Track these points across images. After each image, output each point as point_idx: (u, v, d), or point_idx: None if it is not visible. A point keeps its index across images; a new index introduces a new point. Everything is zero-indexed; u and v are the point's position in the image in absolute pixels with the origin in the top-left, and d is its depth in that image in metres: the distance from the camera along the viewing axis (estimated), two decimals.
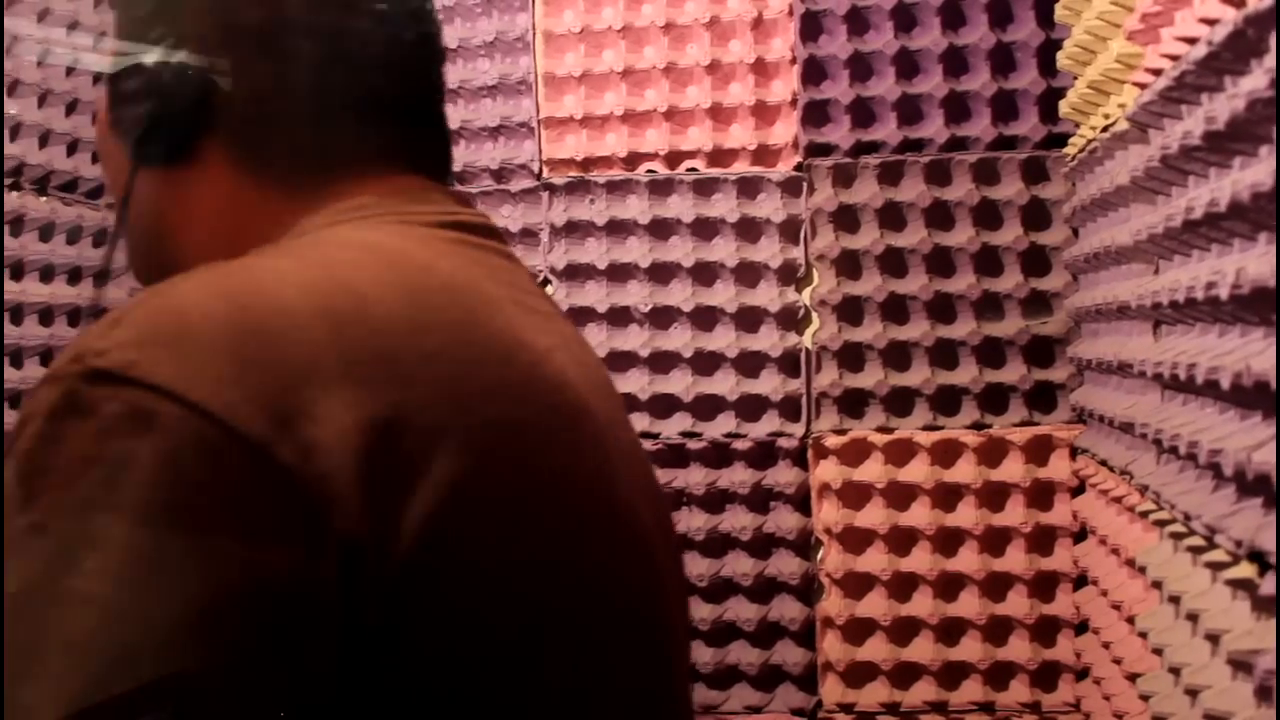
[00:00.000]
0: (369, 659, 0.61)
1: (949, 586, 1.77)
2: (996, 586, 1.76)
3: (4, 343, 1.04)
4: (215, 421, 0.58)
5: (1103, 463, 1.60)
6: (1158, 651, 1.26)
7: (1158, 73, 1.21)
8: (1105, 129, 1.48)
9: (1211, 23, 1.03)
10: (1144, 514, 1.36)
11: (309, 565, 0.59)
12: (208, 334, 0.61)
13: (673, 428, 1.84)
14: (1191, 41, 1.09)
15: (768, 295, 1.82)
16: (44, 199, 1.86)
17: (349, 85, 0.77)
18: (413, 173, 0.78)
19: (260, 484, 0.59)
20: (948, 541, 1.77)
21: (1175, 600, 1.21)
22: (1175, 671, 1.20)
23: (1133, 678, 1.39)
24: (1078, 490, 1.74)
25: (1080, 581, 1.73)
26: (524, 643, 0.67)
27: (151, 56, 0.74)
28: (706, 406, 1.84)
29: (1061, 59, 1.61)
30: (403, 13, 0.81)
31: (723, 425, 1.83)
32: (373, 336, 0.64)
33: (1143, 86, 1.28)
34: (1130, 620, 1.42)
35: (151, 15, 0.76)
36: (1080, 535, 1.73)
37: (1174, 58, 1.15)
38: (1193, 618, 1.16)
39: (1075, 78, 1.62)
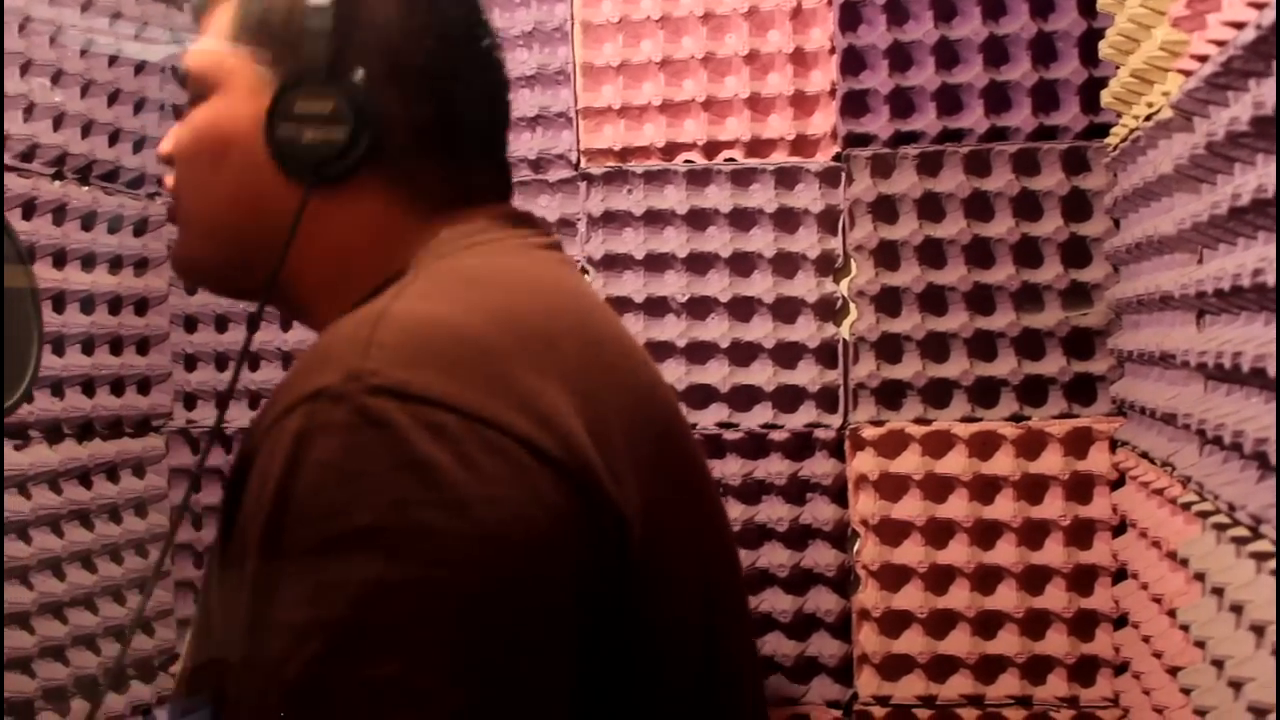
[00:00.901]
0: (610, 632, 0.68)
1: (986, 579, 1.76)
2: (1034, 580, 1.75)
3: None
4: (494, 427, 0.64)
5: (1144, 455, 1.58)
6: (1200, 645, 1.25)
7: (1204, 59, 1.20)
8: (1148, 118, 1.47)
9: (1260, 7, 1.02)
10: (1186, 506, 1.35)
11: (593, 544, 0.67)
12: (454, 351, 0.67)
13: (709, 418, 1.84)
14: (1239, 26, 1.08)
15: (805, 286, 1.82)
16: (86, 188, 1.87)
17: (486, 121, 0.85)
18: (504, 198, 0.88)
19: (544, 477, 0.65)
20: (985, 534, 1.76)
21: (1219, 592, 1.20)
22: (1218, 664, 1.18)
23: (1174, 671, 1.38)
24: (1117, 483, 1.73)
25: (1119, 575, 1.72)
26: (693, 610, 0.77)
27: (331, 81, 0.77)
28: (743, 397, 1.84)
29: (1104, 48, 1.60)
30: (501, 54, 0.89)
31: (759, 416, 1.82)
32: (562, 354, 0.71)
33: (1188, 74, 1.26)
34: (1171, 614, 1.41)
35: (322, 37, 0.80)
36: (1120, 529, 1.72)
37: (1220, 43, 1.14)
38: (1237, 609, 1.15)
39: (1117, 67, 1.61)
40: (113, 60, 1.91)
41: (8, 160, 1.69)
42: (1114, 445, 1.73)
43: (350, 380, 0.63)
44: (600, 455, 0.68)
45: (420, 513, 0.61)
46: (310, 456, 0.62)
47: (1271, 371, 1.00)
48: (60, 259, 1.81)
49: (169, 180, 0.90)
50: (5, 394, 1.22)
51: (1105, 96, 1.62)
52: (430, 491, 0.62)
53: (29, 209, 1.75)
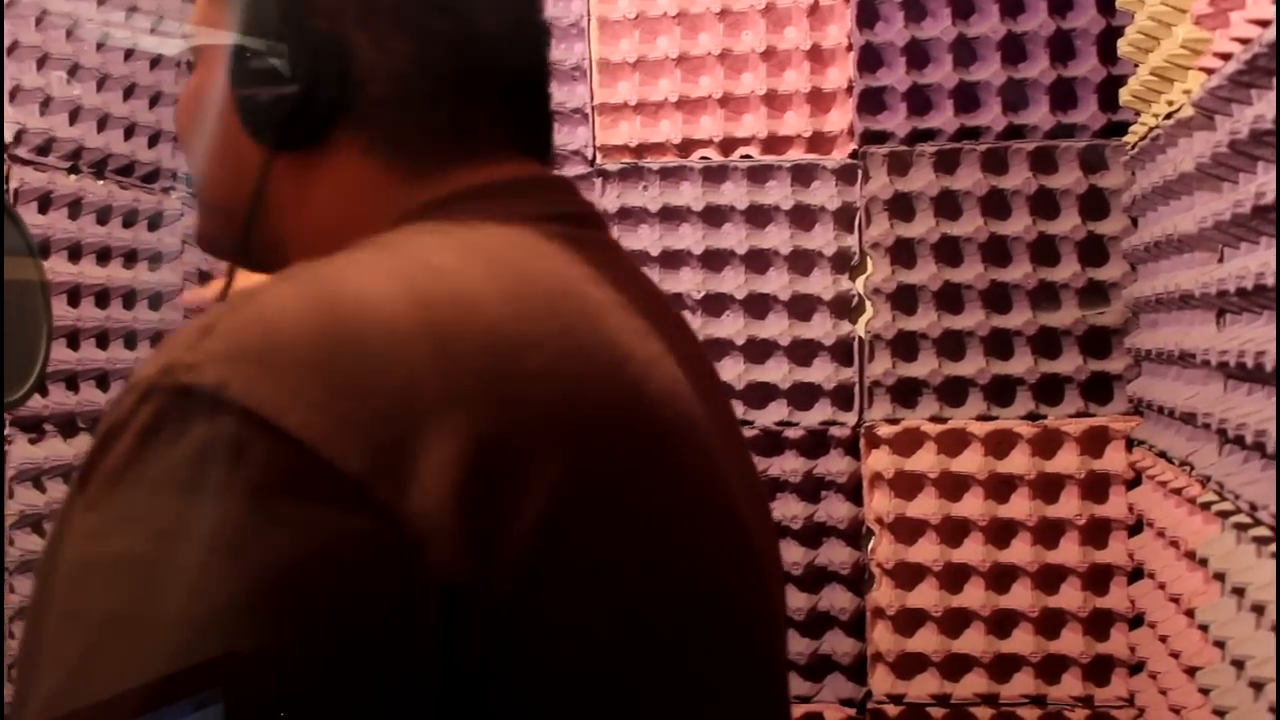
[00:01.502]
0: (468, 692, 0.58)
1: (1001, 578, 1.76)
2: (1049, 579, 1.74)
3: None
4: (309, 455, 0.55)
5: (1161, 454, 1.58)
6: (1219, 644, 1.24)
7: (1227, 57, 1.19)
8: (1169, 116, 1.46)
9: None
10: (1205, 505, 1.34)
11: (405, 606, 0.56)
12: (303, 351, 0.57)
13: None
14: (1264, 24, 1.07)
15: (821, 283, 1.81)
16: (101, 182, 1.87)
17: (482, 66, 0.73)
18: (526, 156, 0.75)
19: (354, 522, 0.56)
20: (1001, 533, 1.76)
21: (1239, 592, 1.20)
22: (1238, 664, 1.18)
23: (1192, 671, 1.38)
24: (1133, 483, 1.72)
25: (1135, 575, 1.71)
26: (631, 662, 0.63)
27: (287, 33, 0.70)
28: (758, 394, 1.83)
29: (1123, 46, 1.59)
30: None
31: (775, 413, 1.82)
32: (477, 354, 0.60)
33: (1210, 71, 1.26)
34: (1189, 613, 1.40)
35: None
36: (1135, 528, 1.71)
37: (1245, 40, 1.13)
38: (1258, 609, 1.15)
39: (1136, 65, 1.60)
40: (129, 55, 1.91)
41: (24, 154, 1.69)
42: (1130, 444, 1.72)
43: (164, 374, 0.55)
44: (468, 493, 0.57)
45: (185, 552, 0.53)
46: (105, 461, 0.54)
47: None
48: (76, 253, 1.81)
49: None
50: (12, 388, 1.22)
51: (1124, 94, 1.62)
52: (202, 529, 0.54)
53: (45, 203, 1.75)
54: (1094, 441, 1.73)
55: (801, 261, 1.82)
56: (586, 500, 0.61)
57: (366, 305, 0.60)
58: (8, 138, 1.67)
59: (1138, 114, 1.64)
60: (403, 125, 0.70)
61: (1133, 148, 1.66)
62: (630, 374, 0.67)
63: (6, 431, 1.53)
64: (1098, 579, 1.73)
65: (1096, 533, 1.73)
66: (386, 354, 0.58)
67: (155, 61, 1.98)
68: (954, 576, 1.77)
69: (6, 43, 1.66)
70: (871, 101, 1.81)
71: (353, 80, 0.69)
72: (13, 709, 0.55)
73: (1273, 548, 1.13)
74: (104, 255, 1.88)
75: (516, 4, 0.76)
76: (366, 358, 0.57)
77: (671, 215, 1.84)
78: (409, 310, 0.60)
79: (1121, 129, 1.72)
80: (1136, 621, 1.70)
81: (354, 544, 0.55)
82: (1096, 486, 1.73)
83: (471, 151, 0.72)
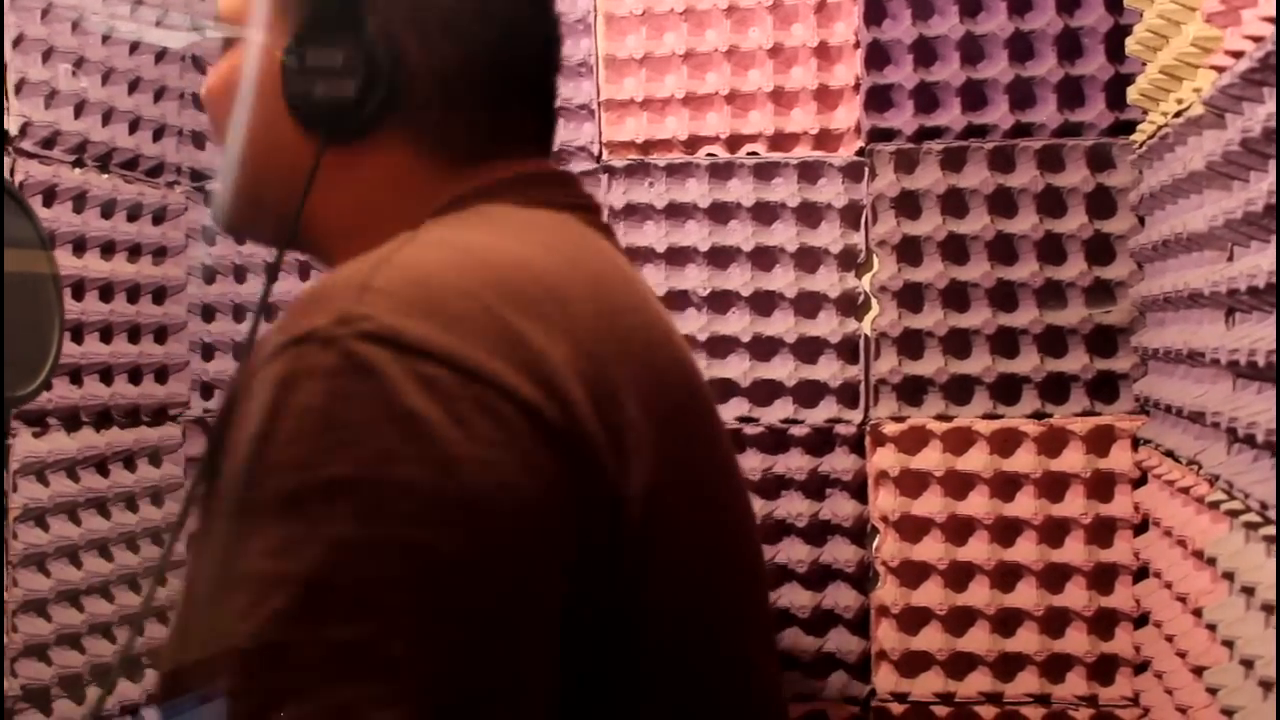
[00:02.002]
0: (598, 617, 0.64)
1: (1006, 577, 1.76)
2: (1055, 578, 1.74)
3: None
4: (491, 386, 0.60)
5: (1168, 453, 1.58)
6: (1228, 644, 1.24)
7: (1238, 55, 1.19)
8: (1178, 114, 1.46)
9: None
10: (1214, 504, 1.34)
11: (585, 519, 0.62)
12: (458, 302, 0.62)
13: (729, 413, 1.83)
14: (1276, 22, 1.07)
15: (827, 281, 1.81)
16: (106, 176, 1.87)
17: (519, 69, 0.80)
18: (541, 150, 0.82)
19: (540, 446, 0.60)
20: (1006, 531, 1.76)
21: (1248, 591, 1.20)
22: (1247, 664, 1.18)
23: (1199, 671, 1.37)
24: (1139, 482, 1.72)
25: (1141, 574, 1.71)
26: (697, 599, 0.70)
27: (344, 31, 0.74)
28: (764, 392, 1.83)
29: (1131, 44, 1.59)
30: (547, 1, 0.84)
31: (780, 411, 1.81)
32: (574, 317, 0.66)
33: (1221, 69, 1.26)
34: (1197, 613, 1.40)
35: None
36: (1141, 527, 1.71)
37: (1257, 39, 1.13)
38: (1267, 609, 1.15)
39: (1144, 64, 1.60)
40: (134, 48, 1.90)
41: (29, 147, 1.69)
42: (1136, 443, 1.72)
43: (340, 324, 0.59)
44: (603, 429, 0.64)
45: (404, 468, 0.57)
46: (292, 402, 0.58)
47: None
48: (80, 246, 1.81)
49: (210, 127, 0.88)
50: (25, 380, 1.22)
51: (1132, 93, 1.62)
52: (416, 447, 0.57)
53: (49, 196, 1.74)
54: (1100, 440, 1.73)
55: (808, 259, 1.82)
56: (664, 441, 0.69)
57: (495, 266, 0.66)
58: (12, 130, 1.66)
59: (1145, 112, 1.64)
60: (446, 124, 0.77)
61: (1140, 146, 1.66)
62: (674, 341, 0.77)
63: (10, 425, 1.52)
64: (1103, 578, 1.73)
65: (1102, 532, 1.73)
66: (522, 306, 0.64)
67: (160, 55, 1.98)
68: (959, 575, 1.77)
69: (12, 35, 1.66)
70: (878, 99, 1.80)
71: (402, 80, 0.74)
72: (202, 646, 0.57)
73: None
74: (108, 249, 1.88)
75: (541, 11, 0.83)
76: (509, 308, 0.63)
77: (677, 212, 1.84)
78: (520, 270, 0.67)
79: (1129, 127, 1.72)
80: (1141, 621, 1.70)
81: (542, 460, 0.61)
82: (1102, 485, 1.73)
83: (505, 149, 0.79)
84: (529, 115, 0.81)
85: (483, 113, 0.78)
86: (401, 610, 0.56)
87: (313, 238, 0.81)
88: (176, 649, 0.66)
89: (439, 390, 0.58)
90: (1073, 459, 1.74)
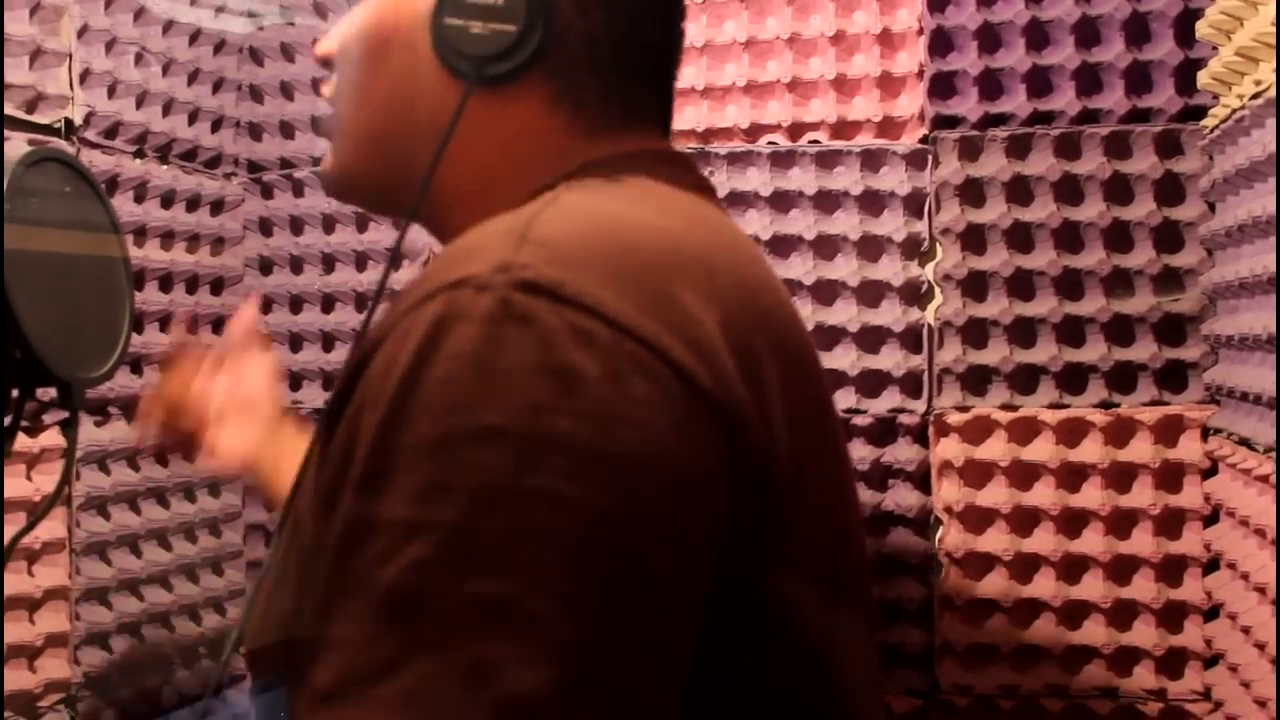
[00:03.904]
0: (737, 589, 0.63)
1: (1073, 568, 1.73)
2: (1122, 569, 1.72)
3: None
4: (647, 346, 0.58)
5: (1242, 442, 1.55)
6: None
7: None
8: (1255, 96, 1.44)
9: None
10: None
11: (733, 488, 0.61)
12: (617, 259, 0.61)
13: None
14: None
15: (890, 269, 1.79)
16: (165, 167, 1.88)
17: (657, 43, 0.81)
18: (663, 130, 0.83)
19: (693, 411, 0.59)
20: (1072, 522, 1.73)
21: None
22: None
23: (1277, 663, 1.35)
24: (1209, 472, 1.69)
25: (1211, 566, 1.68)
26: (823, 575, 0.70)
27: None
28: (827, 381, 1.81)
29: (1202, 28, 1.57)
30: None
31: (842, 401, 1.80)
32: (720, 287, 0.65)
33: None
34: (1275, 604, 1.38)
35: None
36: (1211, 518, 1.69)
37: None
38: None
39: (1215, 48, 1.58)
40: (193, 39, 1.91)
41: (92, 137, 1.69)
42: (1206, 433, 1.69)
43: (499, 271, 0.57)
44: (752, 398, 0.63)
45: (558, 421, 0.55)
46: (445, 344, 0.56)
47: None
48: (140, 236, 1.82)
49: (326, 88, 0.87)
50: (97, 362, 1.22)
51: (1203, 77, 1.59)
52: (572, 401, 0.55)
53: (111, 186, 1.75)
54: (1168, 430, 1.71)
55: (870, 247, 1.80)
56: (800, 431, 0.67)
57: (647, 229, 0.66)
58: (77, 120, 1.67)
59: (1216, 97, 1.62)
60: (588, 84, 0.77)
61: (1212, 131, 1.63)
62: (800, 321, 0.77)
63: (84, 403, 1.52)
64: (1172, 570, 1.70)
65: (1171, 523, 1.70)
66: (675, 271, 0.63)
67: (219, 47, 1.99)
68: (1024, 566, 1.75)
69: (76, 26, 1.67)
70: (942, 86, 1.78)
71: (554, 31, 0.74)
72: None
73: None
74: (168, 239, 1.88)
75: None
76: (664, 273, 0.62)
77: (739, 200, 1.83)
78: (679, 241, 0.66)
79: (1199, 113, 1.69)
80: (1212, 614, 1.67)
81: (693, 424, 0.59)
82: (1171, 476, 1.70)
83: (636, 120, 0.80)
84: (653, 92, 0.82)
85: (619, 81, 0.78)
86: (547, 567, 0.54)
87: (434, 196, 0.80)
88: (280, 610, 0.65)
89: (596, 345, 0.57)
90: (1141, 449, 1.71)
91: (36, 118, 1.60)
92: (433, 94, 0.77)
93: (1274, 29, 1.36)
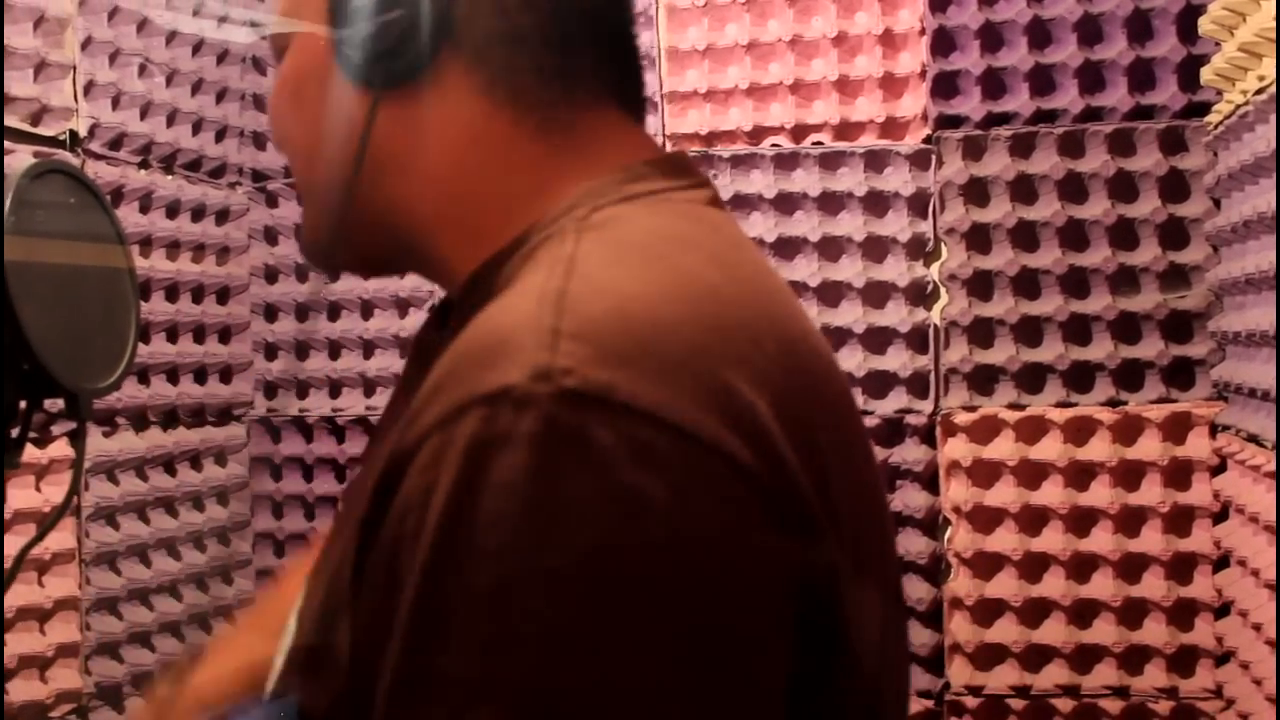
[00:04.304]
0: (813, 681, 0.58)
1: (1082, 567, 1.73)
2: (1132, 568, 1.71)
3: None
4: (710, 450, 0.52)
5: (1250, 438, 1.55)
6: None
7: None
8: (1258, 92, 1.43)
9: None
10: None
11: (801, 580, 0.56)
12: (665, 346, 0.55)
13: None
14: None
15: (895, 270, 1.79)
16: (170, 177, 1.88)
17: (590, 8, 0.71)
18: (632, 111, 0.73)
19: (756, 513, 0.54)
20: (1081, 521, 1.73)
21: None
22: None
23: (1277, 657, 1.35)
24: (1218, 469, 1.69)
25: (1221, 563, 1.68)
26: (880, 643, 0.65)
27: None
28: None
29: (1205, 24, 1.57)
30: None
31: None
32: (766, 356, 0.59)
33: None
34: (1276, 598, 1.37)
35: None
36: (1220, 515, 1.68)
37: None
38: None
39: (1217, 44, 1.58)
40: (196, 49, 1.91)
41: (97, 149, 1.70)
42: (1214, 430, 1.69)
43: (539, 379, 0.51)
44: (812, 484, 0.57)
45: (624, 556, 0.50)
46: (490, 476, 0.50)
47: None
48: (146, 246, 1.82)
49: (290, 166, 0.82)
50: (104, 373, 1.22)
51: (1206, 73, 1.59)
52: (638, 530, 0.50)
53: (117, 196, 1.75)
54: (1176, 427, 1.70)
55: (875, 248, 1.80)
56: (854, 505, 0.62)
57: (689, 297, 0.58)
58: (82, 131, 1.67)
59: (1219, 93, 1.61)
60: (513, 65, 0.66)
61: (1216, 127, 1.63)
62: (825, 347, 0.69)
63: (91, 415, 1.52)
64: (1181, 568, 1.70)
65: (1180, 520, 1.70)
66: (724, 347, 0.56)
67: (222, 57, 1.99)
68: (1033, 566, 1.74)
69: (81, 38, 1.67)
70: (945, 86, 1.78)
71: (455, 9, 0.66)
72: None
73: None
74: (173, 249, 1.88)
75: None
76: (714, 349, 0.55)
77: (743, 203, 1.83)
78: (718, 304, 0.59)
79: (1202, 109, 1.69)
80: (1223, 611, 1.67)
81: (763, 532, 0.54)
82: (1179, 473, 1.70)
83: (589, 104, 0.69)
84: (605, 63, 0.72)
85: (552, 54, 0.69)
86: (632, 714, 0.49)
87: (405, 235, 0.73)
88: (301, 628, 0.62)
89: (657, 459, 0.51)
90: (1149, 446, 1.71)
91: (42, 130, 1.60)
92: (348, 112, 0.71)
93: (1275, 25, 1.36)
